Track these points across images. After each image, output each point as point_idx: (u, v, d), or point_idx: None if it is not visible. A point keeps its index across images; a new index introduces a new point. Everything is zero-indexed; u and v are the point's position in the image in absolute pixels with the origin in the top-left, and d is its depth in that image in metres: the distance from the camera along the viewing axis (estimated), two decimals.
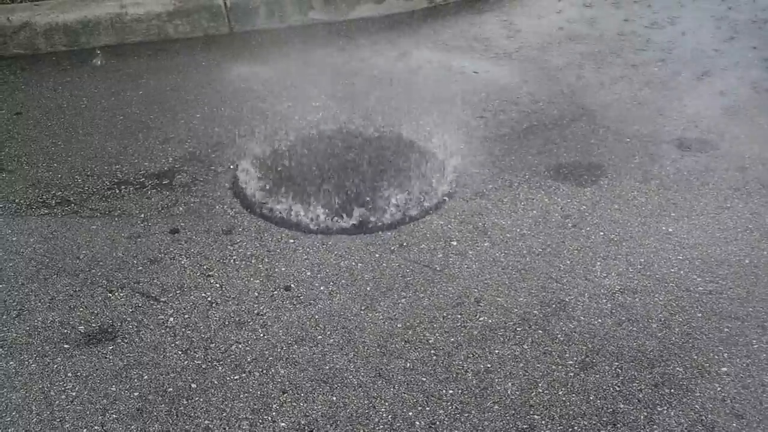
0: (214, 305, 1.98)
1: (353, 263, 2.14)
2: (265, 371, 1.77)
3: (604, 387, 1.74)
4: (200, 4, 3.69)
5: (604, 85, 3.21)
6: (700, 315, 1.95)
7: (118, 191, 2.49)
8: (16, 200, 2.44)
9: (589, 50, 3.56)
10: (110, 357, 1.82)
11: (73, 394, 1.72)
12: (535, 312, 1.96)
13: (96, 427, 1.64)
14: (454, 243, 2.23)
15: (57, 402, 1.70)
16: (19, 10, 3.54)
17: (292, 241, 2.24)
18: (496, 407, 1.68)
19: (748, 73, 3.33)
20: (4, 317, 1.95)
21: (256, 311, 1.96)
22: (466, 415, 1.67)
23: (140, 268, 2.13)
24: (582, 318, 1.94)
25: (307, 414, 1.67)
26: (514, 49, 3.57)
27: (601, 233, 2.27)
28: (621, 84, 3.23)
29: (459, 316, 1.94)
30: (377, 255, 2.17)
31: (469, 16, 3.99)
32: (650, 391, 1.72)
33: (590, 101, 3.07)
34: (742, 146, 2.75)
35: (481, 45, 3.63)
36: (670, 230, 2.28)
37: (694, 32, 3.77)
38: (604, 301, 2.00)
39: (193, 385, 1.74)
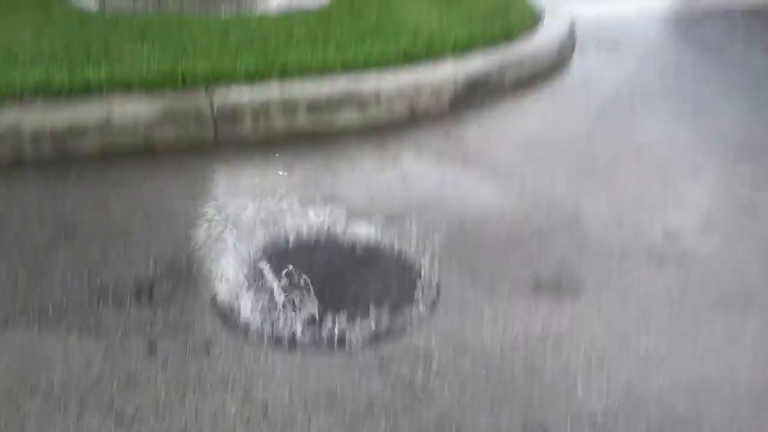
0: (188, 428, 1.95)
1: (333, 385, 2.11)
2: None
3: None
4: (187, 110, 3.75)
5: (583, 199, 3.26)
6: None
7: (96, 304, 2.47)
8: None
9: (569, 163, 3.63)
10: None
11: None
12: None
13: None
14: (435, 361, 2.21)
15: None
16: (6, 112, 3.58)
17: (270, 360, 2.21)
18: None
19: (730, 187, 3.40)
20: None
21: None
22: None
23: (114, 388, 2.09)
24: None
25: None
26: (496, 158, 3.64)
27: (582, 352, 2.27)
28: (602, 194, 3.28)
29: None
30: (356, 376, 2.15)
31: (450, 123, 4.07)
32: None
33: (569, 214, 3.11)
34: (720, 261, 2.78)
35: (462, 152, 3.69)
36: (650, 349, 2.28)
37: (674, 144, 3.87)
38: (587, 425, 1.98)
39: None
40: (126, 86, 3.88)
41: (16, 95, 3.73)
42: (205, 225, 2.97)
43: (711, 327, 2.39)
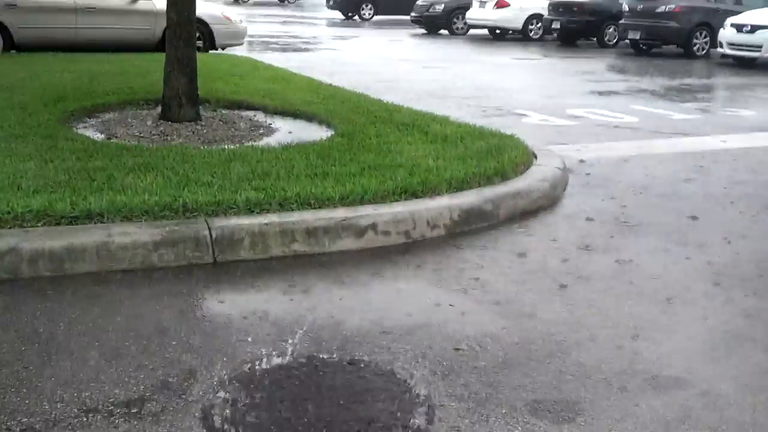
0: None
1: None
2: None
3: None
4: (186, 234, 3.82)
5: (580, 323, 3.27)
6: None
7: (85, 419, 2.42)
8: None
9: (562, 291, 3.66)
10: None
11: None
12: None
13: None
14: None
15: None
16: (7, 235, 3.64)
17: None
18: None
19: (728, 314, 3.42)
20: None
21: None
22: None
23: None
24: None
25: None
26: (491, 284, 3.67)
27: None
28: (595, 320, 3.29)
29: None
30: None
31: (446, 252, 4.13)
32: None
33: (563, 337, 3.12)
34: (718, 385, 2.76)
35: (457, 279, 3.73)
36: None
37: (668, 271, 3.91)
38: None
39: None
40: (127, 214, 3.96)
41: (18, 221, 3.80)
42: (200, 345, 2.95)
43: None
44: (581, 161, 6.22)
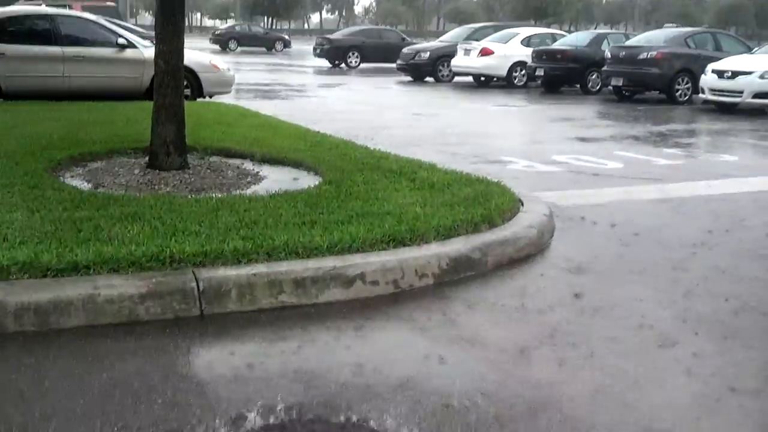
0: None
1: None
2: None
3: None
4: (173, 286, 3.79)
5: (571, 376, 3.25)
6: None
7: None
8: None
9: (552, 341, 3.65)
10: None
11: None
12: None
13: None
14: None
15: None
16: None
17: None
18: None
19: (717, 364, 3.41)
20: None
21: None
22: None
23: None
24: None
25: None
26: (481, 336, 3.66)
27: None
28: (586, 372, 3.28)
29: None
30: None
31: (435, 301, 4.12)
32: None
33: (555, 391, 3.09)
34: None
35: (446, 330, 3.71)
36: None
37: (654, 321, 3.91)
38: None
39: None
40: (114, 266, 3.93)
41: (3, 273, 3.76)
42: (186, 404, 2.91)
43: None
44: (567, 207, 6.25)
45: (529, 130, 12.95)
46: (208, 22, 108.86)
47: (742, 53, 16.69)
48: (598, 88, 19.56)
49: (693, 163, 9.08)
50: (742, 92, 14.68)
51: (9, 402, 2.87)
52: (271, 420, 2.78)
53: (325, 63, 30.51)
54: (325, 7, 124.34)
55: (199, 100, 12.22)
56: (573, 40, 22.08)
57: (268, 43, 46.34)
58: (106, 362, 3.25)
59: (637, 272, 4.69)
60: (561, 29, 46.27)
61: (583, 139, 10.98)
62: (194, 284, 3.84)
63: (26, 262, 3.83)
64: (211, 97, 12.79)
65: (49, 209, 4.88)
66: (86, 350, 3.37)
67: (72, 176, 6.24)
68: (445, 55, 23.02)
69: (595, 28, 74.81)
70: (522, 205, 5.75)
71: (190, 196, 5.46)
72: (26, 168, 6.04)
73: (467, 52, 21.88)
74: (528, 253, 5.00)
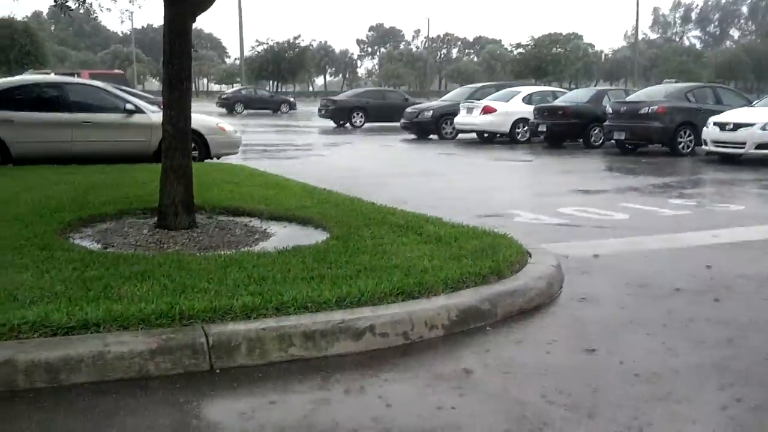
0: None
1: None
2: None
3: None
4: (183, 342, 3.79)
5: (585, 426, 3.22)
6: None
7: None
8: None
9: (564, 392, 3.62)
10: None
11: None
12: None
13: None
14: None
15: None
16: (2, 347, 3.60)
17: None
18: None
19: (732, 412, 3.37)
20: None
21: None
22: None
23: None
24: None
25: None
26: (493, 386, 3.64)
27: None
28: (599, 422, 3.24)
29: None
30: None
31: (445, 352, 4.10)
32: None
33: None
34: None
35: (458, 381, 3.69)
36: None
37: (669, 371, 3.88)
38: None
39: None
40: (123, 323, 3.94)
41: (14, 332, 3.77)
42: None
43: None
44: (575, 258, 6.25)
45: (533, 183, 13.02)
46: (215, 87, 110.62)
47: (742, 106, 16.86)
48: (600, 142, 19.72)
49: (699, 213, 9.09)
50: (744, 143, 14.77)
51: None
52: None
53: (330, 123, 30.88)
54: (329, 70, 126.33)
55: (206, 161, 12.37)
56: (574, 96, 22.37)
57: (273, 106, 47.02)
58: (117, 418, 3.24)
59: (648, 323, 4.66)
60: (561, 86, 46.92)
61: (588, 192, 11.03)
62: (204, 339, 3.84)
63: (36, 321, 3.85)
64: (218, 158, 12.94)
65: (59, 269, 4.91)
66: (96, 406, 3.35)
67: (81, 237, 6.29)
68: (448, 114, 23.33)
69: (595, 85, 75.70)
70: (530, 256, 5.76)
71: (198, 254, 5.49)
72: (36, 230, 6.09)
73: (470, 110, 22.16)
74: (537, 304, 4.99)
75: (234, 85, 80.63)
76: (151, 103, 14.21)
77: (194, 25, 6.77)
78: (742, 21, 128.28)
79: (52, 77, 14.70)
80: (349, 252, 5.47)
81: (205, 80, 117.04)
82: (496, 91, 24.07)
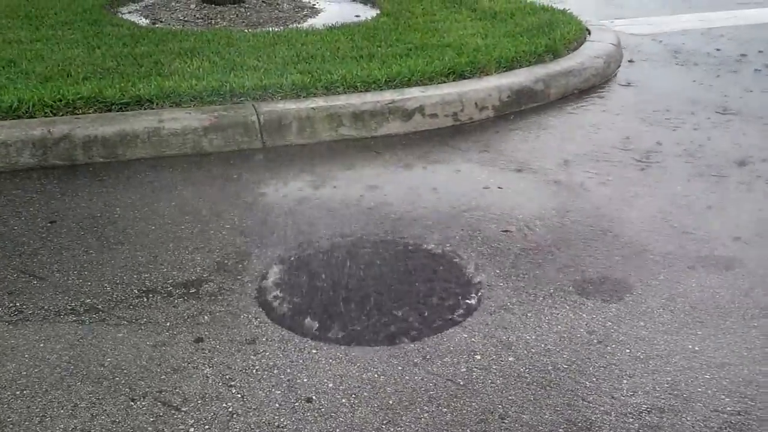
0: (235, 416, 1.97)
1: (375, 375, 2.13)
2: None
3: None
4: (235, 120, 3.83)
5: (628, 203, 3.24)
6: None
7: (145, 300, 2.52)
8: (45, 306, 2.48)
9: (616, 169, 3.61)
10: None
11: None
12: (560, 431, 1.92)
13: None
14: (478, 357, 2.21)
15: None
16: (60, 122, 3.69)
17: (314, 351, 2.24)
18: None
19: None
20: (26, 423, 1.96)
21: (276, 423, 1.95)
22: None
23: (163, 376, 2.13)
24: None
25: None
26: (540, 166, 3.64)
27: (627, 350, 2.25)
28: (645, 201, 3.26)
29: None
30: (400, 368, 2.16)
31: (495, 133, 4.08)
32: None
33: (614, 218, 3.10)
34: None
35: (506, 161, 3.70)
36: (697, 348, 2.25)
37: (726, 151, 3.82)
38: (631, 420, 1.96)
39: None
40: (176, 100, 3.98)
41: (69, 108, 3.84)
42: (253, 226, 3.02)
43: (759, 332, 2.35)
44: (637, 36, 5.99)
45: None
46: None
47: None
48: None
49: None
50: None
51: (84, 230, 3.02)
52: (334, 243, 2.87)
53: None
54: None
55: None
56: None
57: None
58: (174, 192, 3.36)
59: (709, 100, 4.54)
60: None
61: None
62: (255, 118, 3.87)
63: (91, 97, 3.90)
64: None
65: (109, 45, 4.91)
66: (154, 180, 3.48)
67: (129, 12, 6.22)
68: None
69: None
70: (589, 34, 5.54)
71: (246, 31, 5.41)
72: (84, 5, 6.03)
73: None
74: (593, 84, 4.87)
75: None
76: None
77: None
78: None
79: None
80: (399, 29, 5.32)
81: None
82: None
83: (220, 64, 4.50)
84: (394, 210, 3.17)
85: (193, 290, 2.58)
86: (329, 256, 2.79)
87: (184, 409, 2.00)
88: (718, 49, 5.76)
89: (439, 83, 4.35)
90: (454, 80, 4.42)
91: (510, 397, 2.04)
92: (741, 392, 2.06)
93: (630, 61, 5.41)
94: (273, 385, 2.09)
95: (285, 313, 2.43)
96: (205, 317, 2.42)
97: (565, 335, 2.32)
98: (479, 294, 2.55)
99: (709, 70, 5.24)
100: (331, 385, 2.09)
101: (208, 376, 2.13)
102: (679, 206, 3.21)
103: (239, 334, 2.33)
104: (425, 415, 1.97)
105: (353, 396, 2.04)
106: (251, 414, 1.98)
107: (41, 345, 2.28)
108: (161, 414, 1.98)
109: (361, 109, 4.03)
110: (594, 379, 2.12)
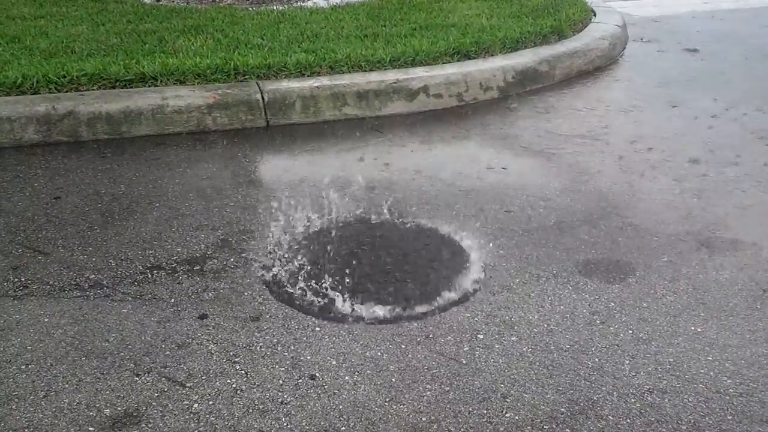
0: (238, 392, 1.98)
1: (379, 353, 2.14)
2: None
3: None
4: (239, 98, 3.82)
5: (632, 184, 3.24)
6: (730, 417, 1.91)
7: (150, 276, 2.53)
8: (50, 282, 2.49)
9: (618, 151, 3.60)
10: None
11: None
12: (562, 410, 1.93)
13: None
14: (481, 336, 2.22)
15: None
16: (64, 99, 3.69)
17: (318, 329, 2.25)
18: None
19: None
20: (31, 397, 1.97)
21: (280, 399, 1.96)
22: None
23: (168, 352, 2.14)
24: (610, 417, 1.91)
25: None
26: (544, 146, 3.63)
27: (630, 331, 2.25)
28: (649, 183, 3.25)
29: (485, 412, 1.92)
30: (403, 346, 2.17)
31: (499, 114, 4.07)
32: None
33: (618, 199, 3.10)
34: None
35: (510, 142, 3.69)
36: (699, 330, 2.26)
37: (731, 134, 3.82)
38: (633, 400, 1.97)
39: None
40: (180, 77, 3.97)
41: (73, 84, 3.84)
42: (257, 204, 3.02)
43: (762, 313, 2.36)
44: (643, 18, 5.96)
45: None
46: None
47: None
48: None
49: None
50: None
51: (89, 206, 3.02)
52: (337, 221, 2.87)
53: None
54: None
55: None
56: None
57: None
58: (178, 169, 3.36)
59: (712, 79, 4.52)
60: None
61: None
62: (259, 96, 3.86)
63: (95, 74, 3.90)
64: None
65: (113, 22, 4.89)
66: (158, 157, 3.48)
67: None
68: None
69: None
70: (594, 15, 5.51)
71: (250, 9, 5.39)
72: None
73: None
74: (598, 66, 4.86)
75: None
76: None
77: None
78: None
79: None
80: (404, 9, 5.30)
81: None
82: None
83: (224, 42, 4.49)
84: (396, 190, 3.17)
85: (197, 267, 2.58)
86: (333, 235, 2.79)
87: (188, 384, 2.01)
88: (724, 32, 5.73)
89: (443, 63, 4.34)
90: (458, 60, 4.41)
91: (512, 377, 2.05)
92: (743, 374, 2.07)
93: (642, 39, 5.38)
94: (276, 362, 2.10)
95: (288, 291, 2.44)
96: (210, 294, 2.43)
97: (568, 315, 2.33)
98: (482, 274, 2.56)
99: (715, 52, 5.21)
100: (334, 362, 2.10)
101: (213, 352, 2.14)
102: (684, 190, 3.21)
103: (243, 311, 2.34)
104: (428, 393, 1.98)
105: (356, 373, 2.05)
106: (255, 390, 1.99)
107: (46, 320, 2.29)
108: (165, 389, 2.00)
109: (366, 89, 4.02)
110: (596, 360, 2.13)
